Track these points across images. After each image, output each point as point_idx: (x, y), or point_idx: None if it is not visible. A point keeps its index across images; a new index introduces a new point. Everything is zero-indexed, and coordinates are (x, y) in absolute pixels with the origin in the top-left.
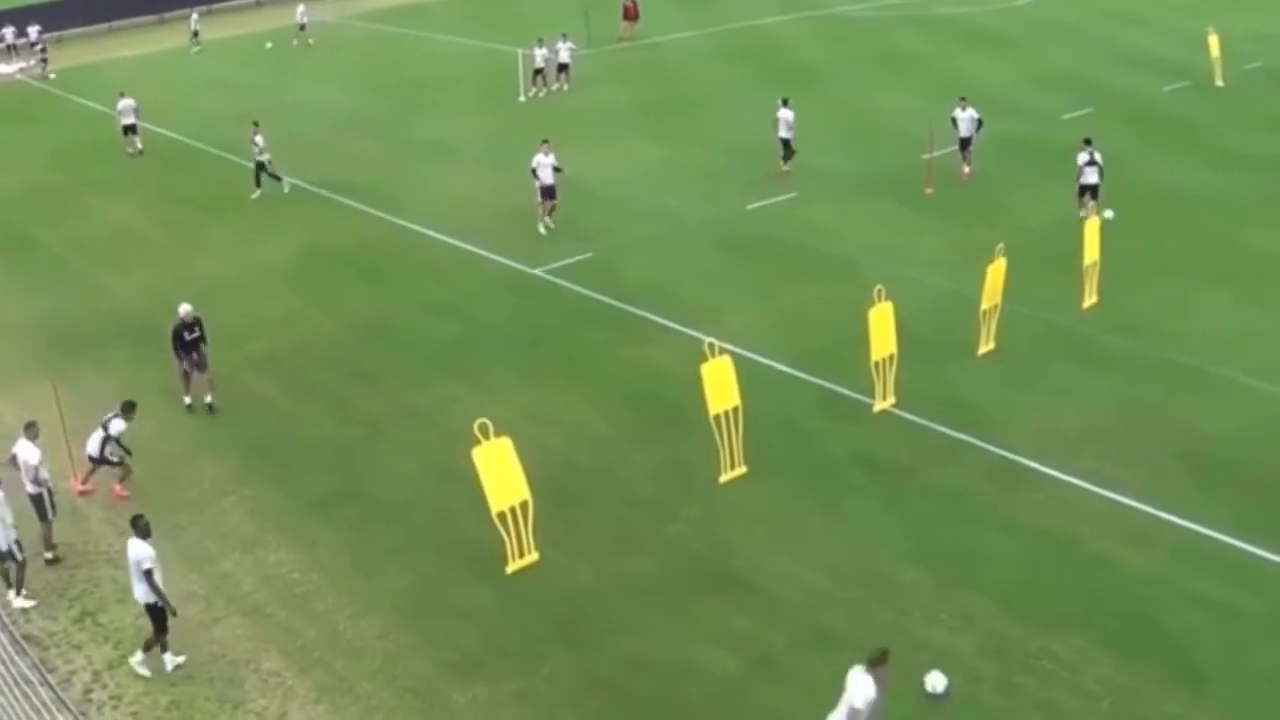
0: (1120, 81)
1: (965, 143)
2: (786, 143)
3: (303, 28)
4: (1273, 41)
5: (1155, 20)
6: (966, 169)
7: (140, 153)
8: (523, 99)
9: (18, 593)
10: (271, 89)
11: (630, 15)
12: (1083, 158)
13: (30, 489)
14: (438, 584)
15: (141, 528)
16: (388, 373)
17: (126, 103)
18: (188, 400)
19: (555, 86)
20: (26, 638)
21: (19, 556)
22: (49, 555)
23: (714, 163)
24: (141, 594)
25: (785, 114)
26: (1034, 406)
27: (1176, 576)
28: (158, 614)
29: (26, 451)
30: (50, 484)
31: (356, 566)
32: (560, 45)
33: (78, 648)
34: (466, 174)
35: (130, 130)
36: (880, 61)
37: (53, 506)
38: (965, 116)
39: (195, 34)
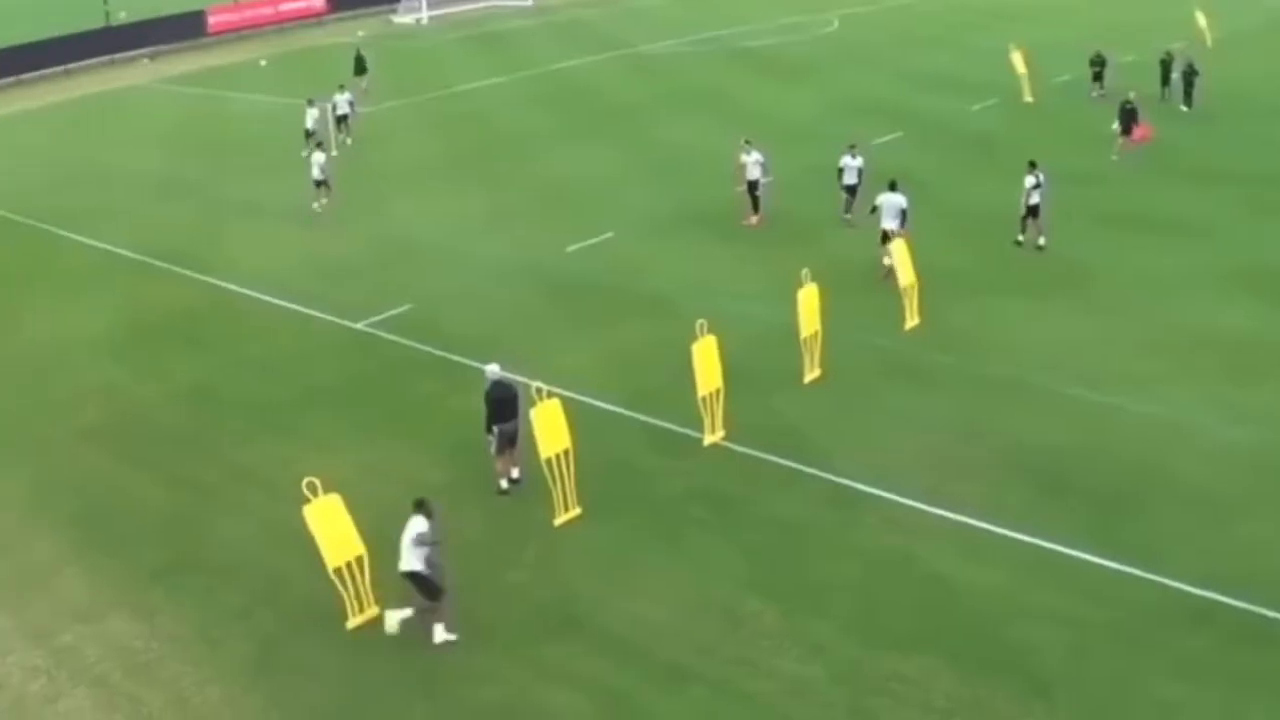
0: (928, 103)
1: (851, 189)
2: (754, 185)
3: None
4: (1078, 54)
5: (960, 41)
6: (849, 215)
7: None
8: (334, 152)
9: None
10: (87, 156)
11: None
12: (1029, 181)
13: None
14: (281, 644)
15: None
16: (216, 436)
17: None
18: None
19: (335, 151)
20: None
21: None
22: None
23: (530, 207)
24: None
25: (755, 155)
26: (864, 430)
27: (1017, 590)
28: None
29: None
30: None
31: (199, 633)
32: (338, 98)
33: None
34: (281, 232)
35: None
36: (687, 98)
37: None
38: (854, 165)
39: None
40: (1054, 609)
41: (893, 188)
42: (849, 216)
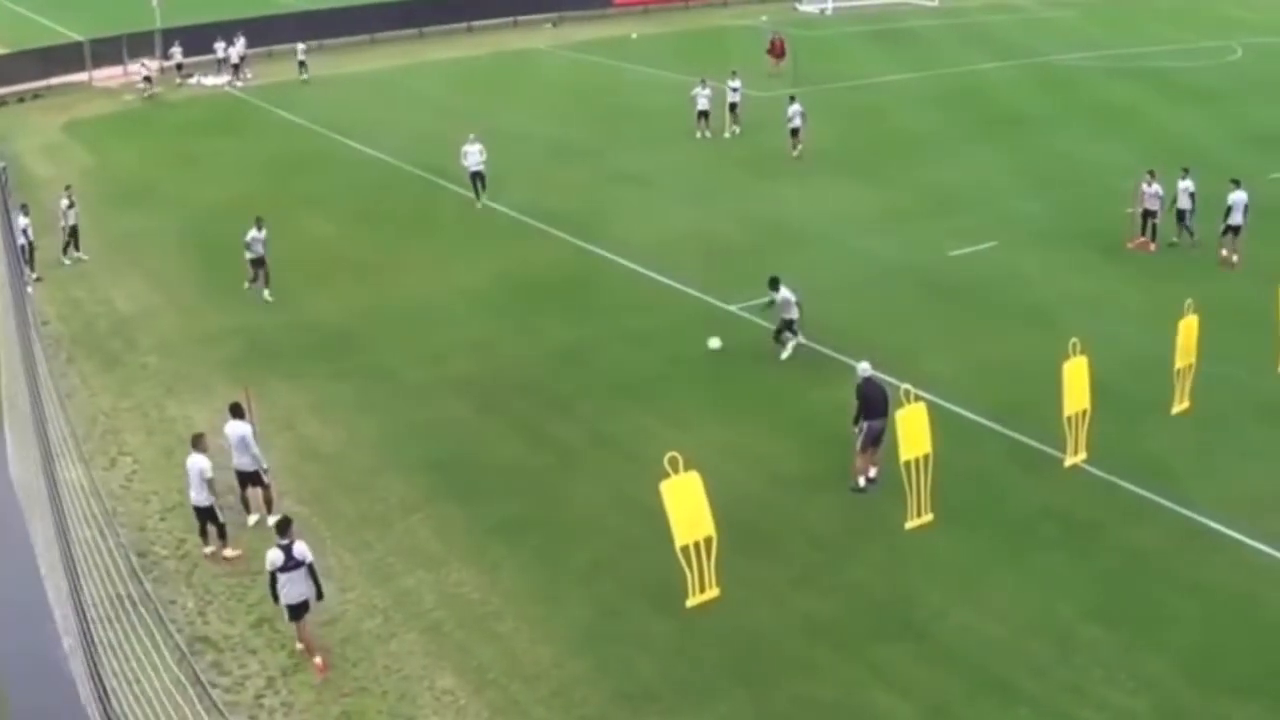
0: None
1: (1181, 215)
2: (1152, 214)
3: (302, 64)
4: None
5: None
6: (1233, 255)
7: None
8: (727, 135)
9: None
10: (480, 113)
11: (776, 52)
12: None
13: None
14: (617, 614)
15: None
16: (580, 400)
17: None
18: (861, 481)
19: (729, 134)
20: (202, 639)
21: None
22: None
23: (916, 206)
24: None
25: (1155, 188)
26: (1225, 467)
27: None
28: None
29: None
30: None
31: (538, 592)
32: (730, 84)
33: (253, 653)
34: (667, 207)
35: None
36: (1083, 112)
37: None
38: (1237, 198)
39: (302, 64)
40: None
41: (1236, 184)
42: (1176, 240)
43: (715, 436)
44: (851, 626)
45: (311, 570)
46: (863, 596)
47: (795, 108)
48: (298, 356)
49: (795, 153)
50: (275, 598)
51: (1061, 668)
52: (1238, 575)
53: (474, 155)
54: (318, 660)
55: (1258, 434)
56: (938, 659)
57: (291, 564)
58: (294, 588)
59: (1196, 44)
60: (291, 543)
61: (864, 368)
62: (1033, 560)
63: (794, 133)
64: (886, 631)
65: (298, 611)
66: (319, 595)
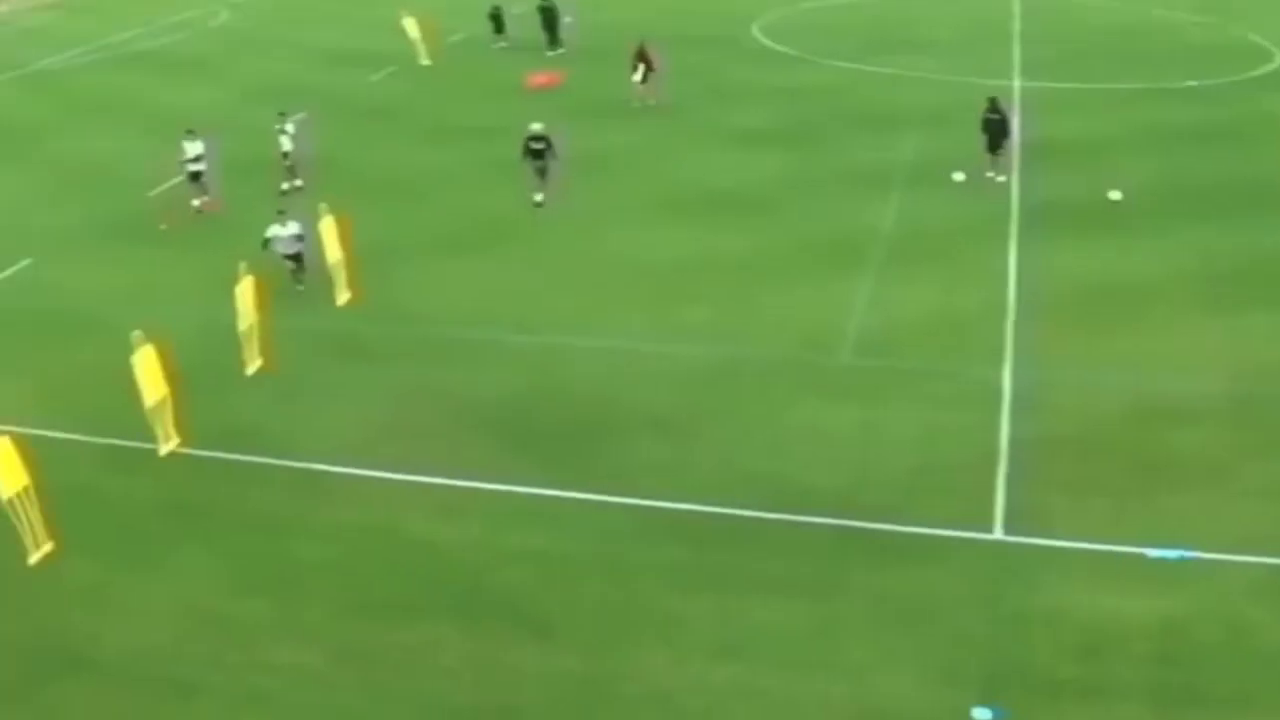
0: (329, 80)
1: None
2: (199, 175)
3: None
4: (469, 13)
5: (352, 16)
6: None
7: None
8: None
9: None
10: None
11: None
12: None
13: None
14: None
15: None
16: None
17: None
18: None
19: None
20: None
21: None
22: None
23: None
24: None
25: (199, 145)
26: (319, 412)
27: (498, 539)
28: None
29: None
30: None
31: None
32: None
33: None
34: None
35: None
36: (87, 110)
37: None
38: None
39: None
40: (537, 550)
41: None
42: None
43: None
44: (16, 679)
45: None
46: (15, 645)
47: None
48: None
49: None
50: None
51: (229, 649)
52: (363, 509)
53: None
54: None
55: (339, 372)
56: (110, 683)
57: None
58: None
59: (181, 15)
60: None
61: None
62: (165, 556)
63: None
64: (51, 673)
65: None
66: None
